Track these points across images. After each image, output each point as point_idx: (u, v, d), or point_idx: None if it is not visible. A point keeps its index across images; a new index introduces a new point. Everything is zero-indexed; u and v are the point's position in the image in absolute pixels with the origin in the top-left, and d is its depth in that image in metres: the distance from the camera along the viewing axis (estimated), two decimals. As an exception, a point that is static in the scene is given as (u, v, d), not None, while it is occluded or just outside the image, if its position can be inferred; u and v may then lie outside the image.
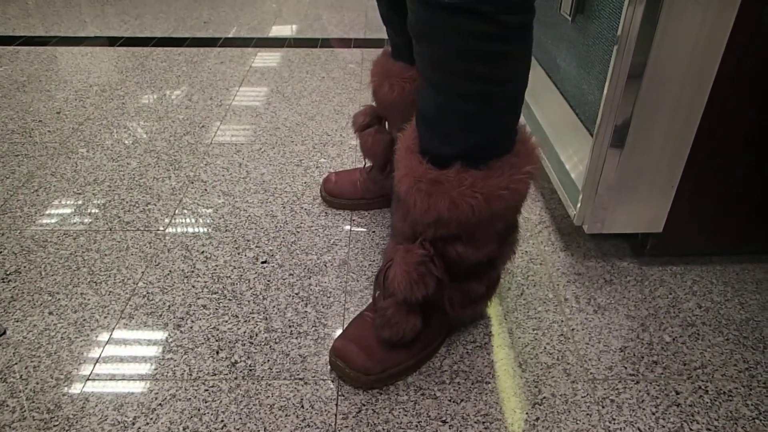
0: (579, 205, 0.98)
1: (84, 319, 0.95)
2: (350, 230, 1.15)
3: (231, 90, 1.76)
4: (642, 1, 0.78)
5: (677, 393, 0.83)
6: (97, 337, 0.91)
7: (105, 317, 0.95)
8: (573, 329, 0.93)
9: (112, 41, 2.15)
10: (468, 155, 0.70)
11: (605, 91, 0.86)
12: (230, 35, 2.23)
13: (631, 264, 1.07)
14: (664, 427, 0.78)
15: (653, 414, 0.80)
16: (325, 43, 2.15)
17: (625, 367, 0.87)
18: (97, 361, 0.87)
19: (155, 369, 0.86)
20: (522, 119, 0.75)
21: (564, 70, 1.25)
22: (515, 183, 0.71)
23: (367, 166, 1.18)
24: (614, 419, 0.79)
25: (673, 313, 0.96)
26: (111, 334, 0.92)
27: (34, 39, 2.16)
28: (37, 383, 0.84)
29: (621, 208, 0.98)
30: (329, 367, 0.86)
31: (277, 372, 0.86)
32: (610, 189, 0.95)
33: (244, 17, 2.44)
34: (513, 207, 0.74)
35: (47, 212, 1.20)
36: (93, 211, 1.20)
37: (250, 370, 0.86)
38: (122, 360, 0.88)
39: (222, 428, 0.78)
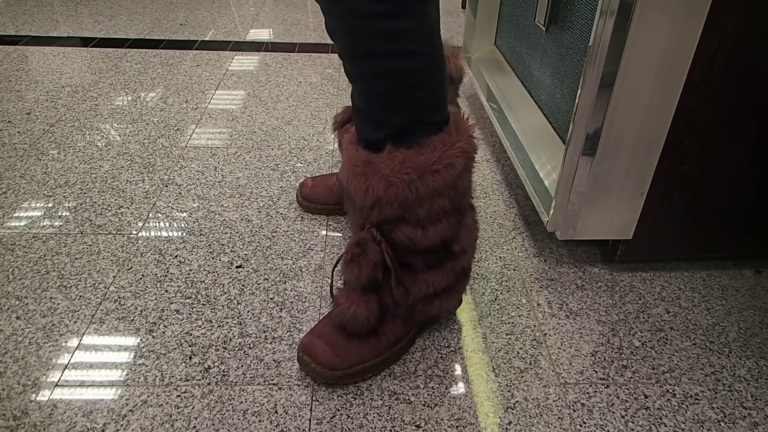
0: (552, 211, 1.00)
1: (53, 324, 0.93)
2: (326, 235, 1.15)
3: (207, 93, 1.75)
4: (613, 13, 0.80)
5: (646, 396, 0.85)
6: (66, 342, 0.90)
7: (75, 322, 0.93)
8: (545, 334, 0.95)
9: (86, 42, 2.12)
10: (397, 135, 0.74)
11: (577, 100, 0.88)
12: (207, 38, 2.21)
13: (602, 270, 1.09)
14: (633, 430, 0.80)
15: (623, 417, 0.81)
16: (303, 47, 2.15)
17: (596, 372, 0.88)
18: (66, 367, 0.86)
19: (126, 375, 0.85)
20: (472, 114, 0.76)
21: (538, 78, 1.27)
22: (449, 158, 0.74)
23: (343, 171, 1.18)
24: (585, 423, 0.80)
25: (643, 319, 0.98)
26: (81, 340, 0.90)
27: (4, 38, 2.12)
28: (3, 389, 0.82)
29: (592, 215, 1.00)
30: (298, 364, 0.86)
31: (251, 377, 0.85)
32: (581, 196, 0.97)
33: (221, 20, 2.43)
34: (452, 183, 0.76)
35: (16, 215, 1.17)
36: (64, 213, 1.18)
37: (224, 375, 0.85)
38: (92, 366, 0.86)
39: (194, 434, 0.77)
